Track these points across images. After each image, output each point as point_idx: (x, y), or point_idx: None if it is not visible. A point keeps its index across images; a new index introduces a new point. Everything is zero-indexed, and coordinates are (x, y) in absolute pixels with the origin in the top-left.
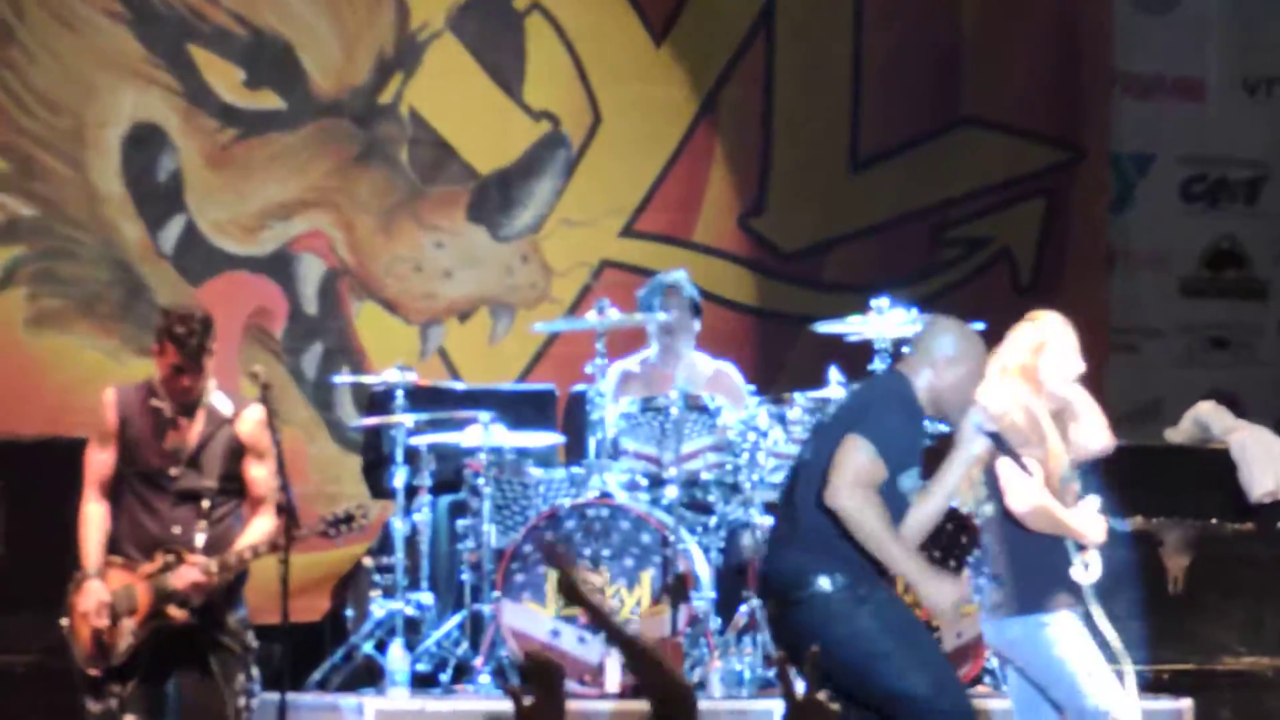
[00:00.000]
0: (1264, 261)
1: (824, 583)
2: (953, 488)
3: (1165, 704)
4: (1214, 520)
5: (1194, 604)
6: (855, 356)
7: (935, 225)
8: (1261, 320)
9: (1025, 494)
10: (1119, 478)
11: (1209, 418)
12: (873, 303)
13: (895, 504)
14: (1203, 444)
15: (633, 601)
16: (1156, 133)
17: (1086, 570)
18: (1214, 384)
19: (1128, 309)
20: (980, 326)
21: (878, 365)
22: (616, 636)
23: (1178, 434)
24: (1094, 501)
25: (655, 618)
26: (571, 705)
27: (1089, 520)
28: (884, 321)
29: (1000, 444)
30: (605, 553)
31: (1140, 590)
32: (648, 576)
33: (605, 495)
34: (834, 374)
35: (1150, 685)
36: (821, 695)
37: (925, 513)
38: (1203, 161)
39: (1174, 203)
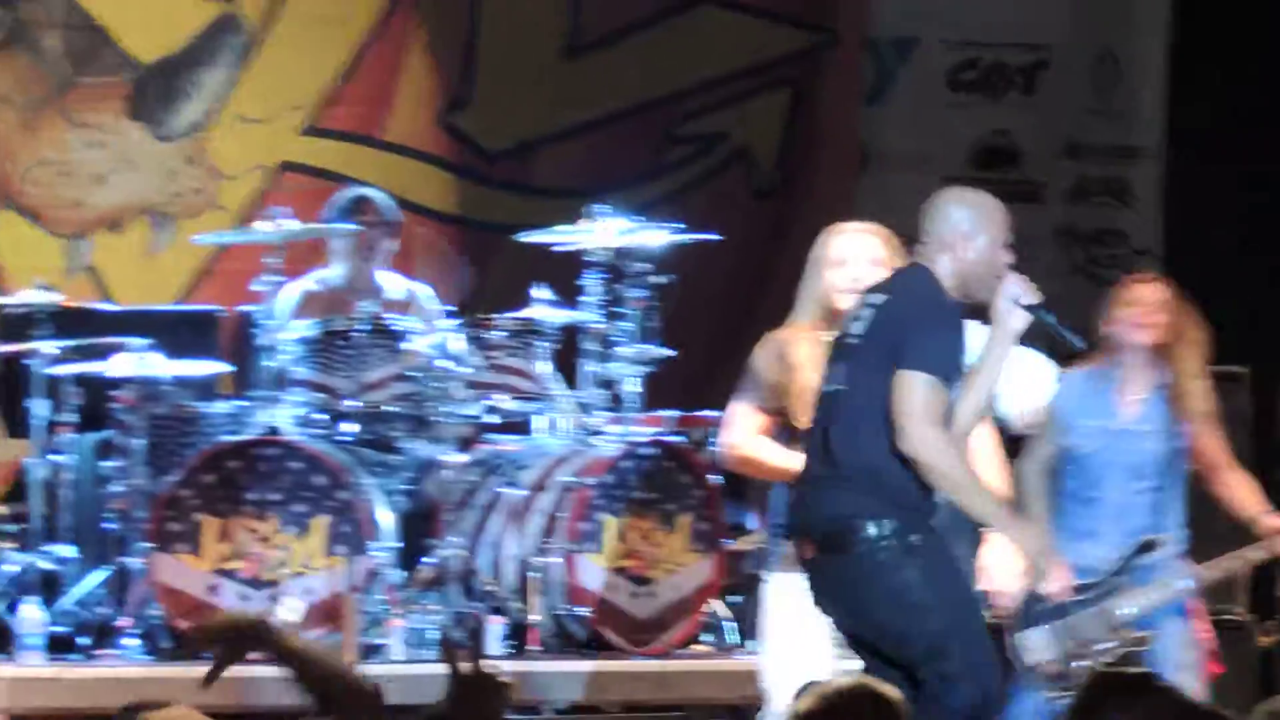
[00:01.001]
0: (1040, 159)
1: (870, 528)
2: (995, 376)
3: None
4: None
5: None
6: (565, 271)
7: (664, 121)
8: (1035, 227)
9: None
10: None
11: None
12: (587, 209)
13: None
14: None
15: (303, 553)
16: (921, 12)
17: None
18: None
19: (881, 215)
20: (714, 238)
21: (590, 282)
22: (281, 655)
23: None
24: None
25: (328, 571)
26: (240, 672)
27: None
28: (599, 231)
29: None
30: (273, 497)
31: None
32: (321, 524)
33: (274, 432)
34: (539, 292)
35: None
36: (490, 666)
37: (967, 409)
38: (974, 45)
39: (940, 93)
